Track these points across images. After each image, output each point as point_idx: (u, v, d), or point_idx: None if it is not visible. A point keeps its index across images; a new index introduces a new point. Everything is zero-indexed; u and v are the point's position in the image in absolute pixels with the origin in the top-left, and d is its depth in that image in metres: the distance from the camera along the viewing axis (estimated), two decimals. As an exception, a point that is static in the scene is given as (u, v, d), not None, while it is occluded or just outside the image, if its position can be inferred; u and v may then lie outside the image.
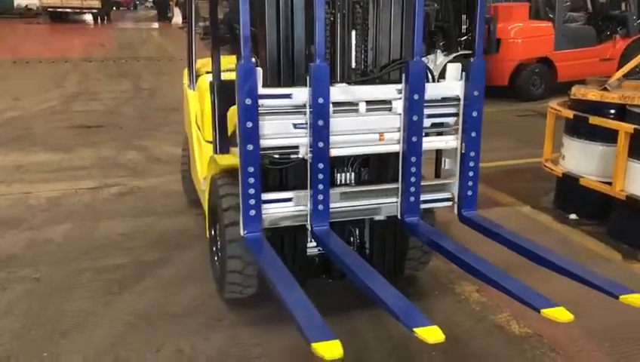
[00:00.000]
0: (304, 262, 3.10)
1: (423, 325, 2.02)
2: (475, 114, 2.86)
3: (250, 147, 2.57)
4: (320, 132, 2.63)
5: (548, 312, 2.16)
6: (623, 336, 3.04)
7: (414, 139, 2.80)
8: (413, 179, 2.85)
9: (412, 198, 2.88)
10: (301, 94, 2.65)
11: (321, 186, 2.71)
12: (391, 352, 2.91)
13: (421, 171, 2.86)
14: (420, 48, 2.75)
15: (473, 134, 2.88)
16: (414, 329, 1.99)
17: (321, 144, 2.65)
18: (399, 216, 2.94)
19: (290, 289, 2.29)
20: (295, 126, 2.67)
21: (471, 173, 2.93)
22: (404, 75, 2.76)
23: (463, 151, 2.91)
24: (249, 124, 2.55)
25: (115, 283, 3.55)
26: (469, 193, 2.96)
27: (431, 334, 1.98)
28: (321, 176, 2.69)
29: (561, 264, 2.54)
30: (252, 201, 2.67)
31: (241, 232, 2.71)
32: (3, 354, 2.85)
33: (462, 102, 2.87)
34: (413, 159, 2.82)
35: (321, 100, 2.60)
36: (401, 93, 2.77)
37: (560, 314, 2.15)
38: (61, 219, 4.52)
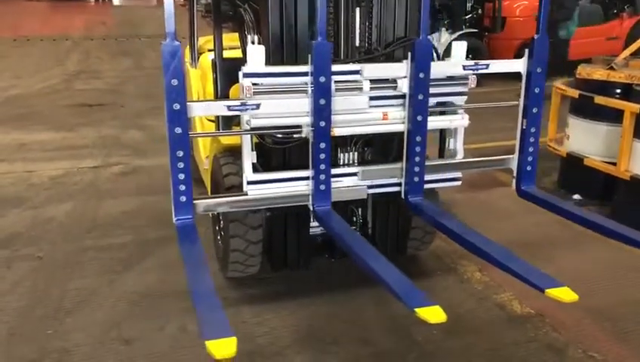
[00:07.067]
0: (308, 241, 3.10)
1: (425, 305, 2.00)
2: (537, 90, 2.85)
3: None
4: (322, 111, 2.61)
5: (552, 292, 2.13)
6: (624, 315, 3.05)
7: (419, 118, 2.77)
8: (417, 159, 2.83)
9: (416, 178, 2.86)
10: (303, 73, 2.62)
11: (322, 166, 2.69)
12: (392, 331, 2.92)
13: (425, 151, 2.84)
14: (427, 26, 2.70)
15: (534, 110, 2.89)
16: (416, 309, 1.98)
17: (322, 123, 2.62)
18: (403, 196, 2.92)
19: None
20: (296, 105, 2.65)
21: (531, 149, 2.94)
22: (410, 54, 2.72)
23: (524, 127, 2.92)
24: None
25: (118, 261, 3.56)
26: (529, 168, 2.98)
27: (433, 314, 1.96)
28: (322, 156, 2.67)
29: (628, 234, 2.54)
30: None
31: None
32: (8, 332, 2.87)
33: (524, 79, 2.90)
34: (418, 138, 2.79)
35: (322, 79, 2.56)
36: (406, 71, 2.74)
37: (564, 293, 2.12)
38: (64, 198, 4.52)
